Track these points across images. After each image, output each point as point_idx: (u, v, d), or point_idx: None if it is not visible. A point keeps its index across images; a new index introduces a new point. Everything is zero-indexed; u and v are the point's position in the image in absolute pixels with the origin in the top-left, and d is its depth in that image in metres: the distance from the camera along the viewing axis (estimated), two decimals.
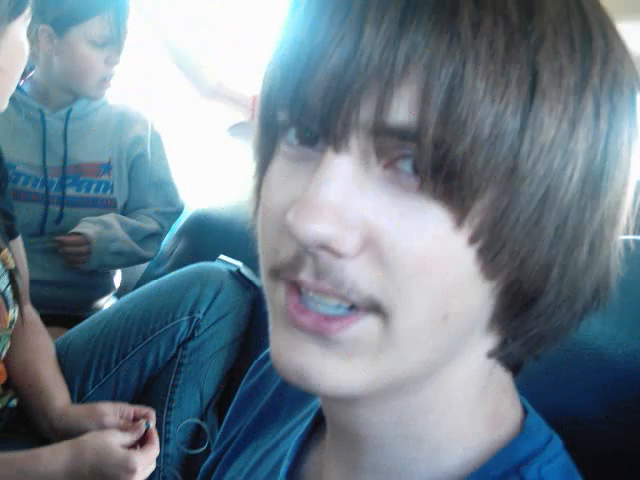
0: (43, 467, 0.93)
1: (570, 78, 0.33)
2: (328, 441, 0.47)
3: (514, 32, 0.31)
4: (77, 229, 1.50)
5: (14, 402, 1.10)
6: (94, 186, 1.57)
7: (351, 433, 0.42)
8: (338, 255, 0.33)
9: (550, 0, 0.33)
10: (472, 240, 0.33)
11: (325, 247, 0.33)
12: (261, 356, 0.63)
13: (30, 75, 1.59)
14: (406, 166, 0.33)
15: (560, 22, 0.33)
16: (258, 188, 0.41)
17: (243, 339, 1.24)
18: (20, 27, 0.98)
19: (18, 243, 1.18)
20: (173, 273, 1.26)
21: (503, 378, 0.42)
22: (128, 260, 1.59)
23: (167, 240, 1.75)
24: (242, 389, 0.64)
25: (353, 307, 0.35)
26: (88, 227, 1.50)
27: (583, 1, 0.34)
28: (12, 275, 1.04)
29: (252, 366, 0.64)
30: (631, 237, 0.40)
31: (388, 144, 0.33)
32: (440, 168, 0.32)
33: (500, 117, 0.31)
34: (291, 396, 0.58)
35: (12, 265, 1.05)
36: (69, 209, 1.54)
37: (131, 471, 0.94)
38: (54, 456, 0.94)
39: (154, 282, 1.26)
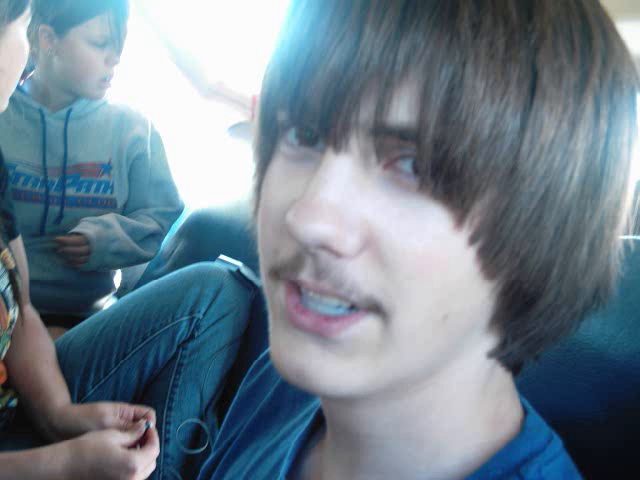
0: (43, 467, 0.93)
1: (570, 78, 0.33)
2: (328, 441, 0.47)
3: (514, 32, 0.31)
4: (77, 229, 1.50)
5: (14, 402, 1.10)
6: (94, 186, 1.57)
7: (351, 433, 0.42)
8: (338, 255, 0.33)
9: (550, 0, 0.33)
10: (472, 240, 0.33)
11: (325, 247, 0.33)
12: (261, 356, 0.63)
13: (30, 75, 1.59)
14: (406, 166, 0.33)
15: (560, 22, 0.33)
16: (258, 188, 0.41)
17: (243, 339, 1.24)
18: (20, 27, 0.98)
19: (18, 243, 1.18)
20: (173, 273, 1.26)
21: (503, 378, 0.42)
22: (128, 260, 1.59)
23: (167, 240, 1.75)
24: (242, 389, 0.64)
25: (353, 307, 0.35)
26: (88, 227, 1.50)
27: (583, 1, 0.34)
28: (12, 275, 1.04)
29: (252, 366, 0.64)
30: (631, 237, 0.40)
31: (388, 144, 0.33)
32: (440, 168, 0.32)
33: (500, 117, 0.31)
34: (291, 396, 0.58)
35: (12, 265, 1.05)
36: (69, 209, 1.54)
37: (131, 471, 0.94)
38: (54, 456, 0.94)
39: (154, 282, 1.26)
